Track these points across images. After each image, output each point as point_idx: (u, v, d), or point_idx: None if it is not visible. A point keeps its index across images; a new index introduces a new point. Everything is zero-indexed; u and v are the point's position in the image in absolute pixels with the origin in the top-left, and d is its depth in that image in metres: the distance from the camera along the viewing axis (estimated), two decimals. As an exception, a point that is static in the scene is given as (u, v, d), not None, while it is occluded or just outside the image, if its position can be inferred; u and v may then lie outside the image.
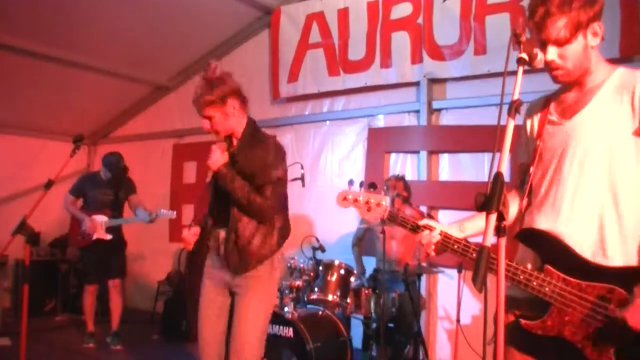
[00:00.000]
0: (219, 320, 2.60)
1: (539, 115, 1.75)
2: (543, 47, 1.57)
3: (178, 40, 5.78)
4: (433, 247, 1.76)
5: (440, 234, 1.74)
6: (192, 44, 6.00)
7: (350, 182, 2.11)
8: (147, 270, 6.56)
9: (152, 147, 6.77)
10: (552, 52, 1.56)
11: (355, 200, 2.03)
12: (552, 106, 1.72)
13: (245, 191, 2.45)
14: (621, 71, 1.62)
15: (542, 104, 1.76)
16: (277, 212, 2.57)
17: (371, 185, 2.07)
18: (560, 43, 1.55)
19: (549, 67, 1.61)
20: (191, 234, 2.52)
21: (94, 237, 4.69)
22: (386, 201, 1.97)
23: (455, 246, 1.72)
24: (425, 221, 1.82)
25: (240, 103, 2.58)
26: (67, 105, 6.28)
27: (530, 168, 1.70)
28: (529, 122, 1.78)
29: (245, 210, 2.48)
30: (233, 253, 2.49)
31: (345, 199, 2.06)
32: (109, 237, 4.74)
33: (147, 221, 4.64)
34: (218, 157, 2.51)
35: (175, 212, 4.71)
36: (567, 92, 1.69)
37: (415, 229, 1.83)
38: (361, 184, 2.09)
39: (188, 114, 6.31)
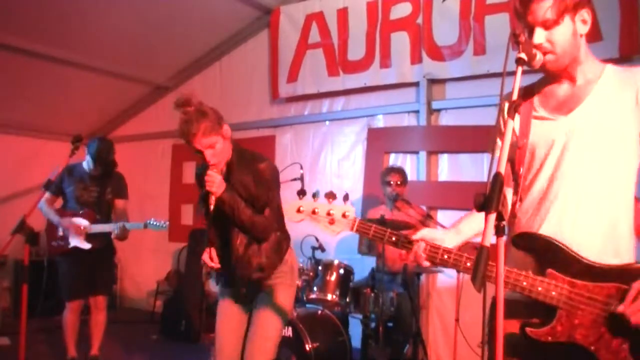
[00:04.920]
0: (237, 333, 2.63)
1: (520, 110, 1.65)
2: (531, 32, 1.52)
3: (178, 40, 5.78)
4: (424, 257, 1.63)
5: (426, 246, 1.62)
6: (192, 44, 6.00)
7: (301, 192, 1.80)
8: (147, 270, 6.56)
9: (152, 147, 6.77)
10: (540, 35, 1.51)
11: (313, 212, 1.74)
12: (537, 101, 1.64)
13: (248, 215, 2.44)
14: (613, 68, 1.59)
15: (522, 99, 1.64)
16: (276, 230, 2.58)
17: (329, 195, 1.74)
18: (547, 25, 1.50)
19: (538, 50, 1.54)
20: (214, 256, 2.48)
21: (71, 245, 3.90)
22: (352, 212, 1.72)
23: (445, 256, 1.61)
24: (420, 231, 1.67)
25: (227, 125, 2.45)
26: (67, 105, 6.28)
27: (520, 168, 1.63)
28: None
29: (248, 231, 2.49)
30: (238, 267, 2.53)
31: (299, 211, 1.77)
32: (87, 246, 3.89)
33: (115, 232, 3.82)
34: (219, 182, 2.38)
35: (167, 223, 4.08)
36: (554, 84, 1.63)
37: (396, 242, 1.68)
38: (314, 195, 1.78)
39: (188, 114, 6.32)
